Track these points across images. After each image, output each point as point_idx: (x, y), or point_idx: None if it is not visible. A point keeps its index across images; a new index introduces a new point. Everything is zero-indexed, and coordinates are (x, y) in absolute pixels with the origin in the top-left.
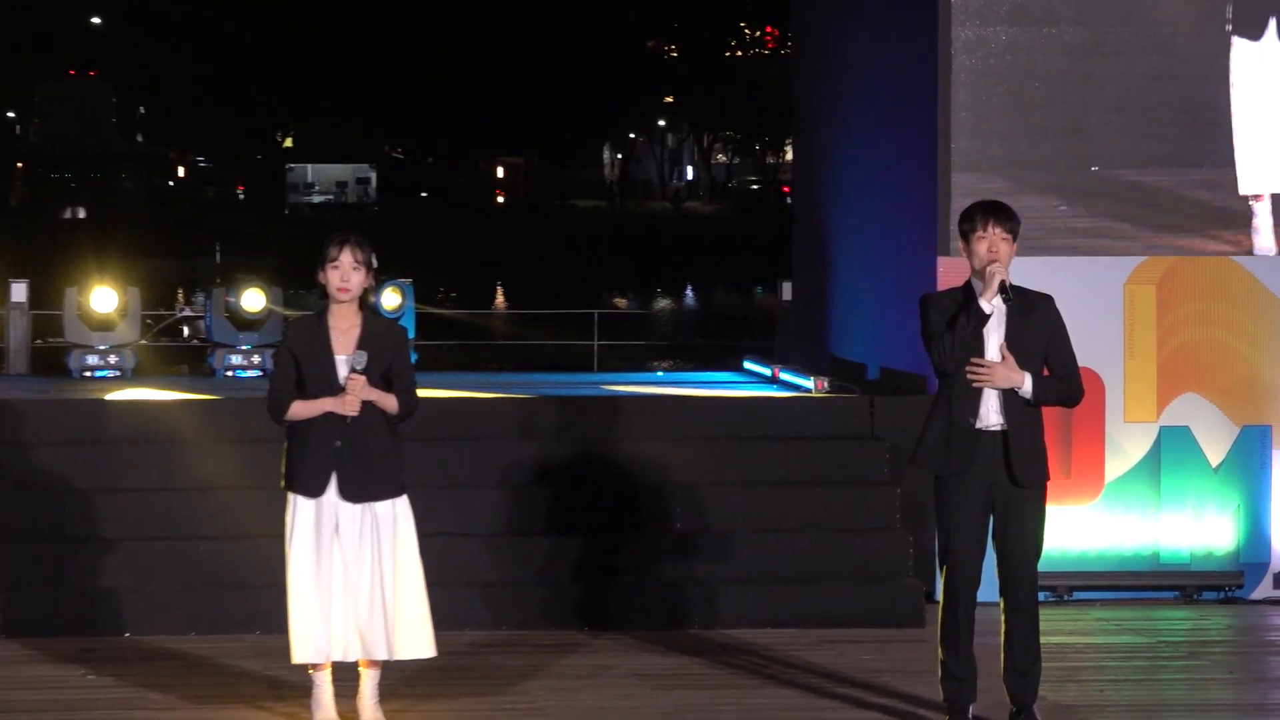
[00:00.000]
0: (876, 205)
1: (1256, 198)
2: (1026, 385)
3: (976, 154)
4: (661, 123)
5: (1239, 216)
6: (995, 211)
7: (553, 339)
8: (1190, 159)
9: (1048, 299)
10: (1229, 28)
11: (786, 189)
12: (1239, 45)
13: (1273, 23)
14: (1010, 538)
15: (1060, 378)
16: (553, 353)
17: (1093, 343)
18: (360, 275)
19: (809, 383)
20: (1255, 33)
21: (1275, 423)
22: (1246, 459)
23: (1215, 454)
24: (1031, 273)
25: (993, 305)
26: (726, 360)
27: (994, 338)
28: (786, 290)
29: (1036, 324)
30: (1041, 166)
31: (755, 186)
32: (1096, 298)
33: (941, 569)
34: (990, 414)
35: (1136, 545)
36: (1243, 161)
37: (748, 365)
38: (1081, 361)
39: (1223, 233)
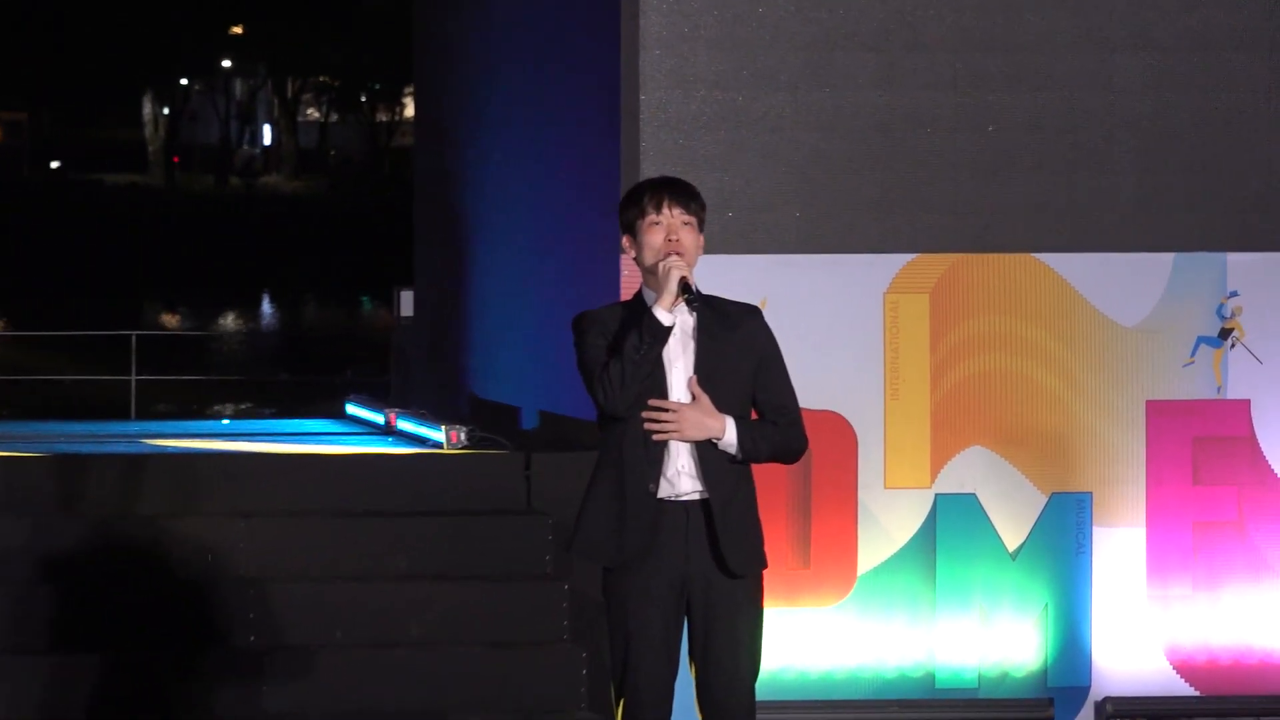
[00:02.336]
0: (537, 182)
1: None
2: (729, 434)
3: (676, 108)
4: (226, 64)
5: None
6: (671, 189)
7: (72, 372)
8: None
9: (753, 312)
10: None
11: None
12: None
13: None
14: (716, 652)
15: (774, 421)
16: (72, 391)
17: (839, 376)
18: None
19: (438, 434)
20: None
21: (1097, 489)
22: (1057, 540)
23: (1013, 533)
24: (740, 276)
25: (674, 316)
26: (321, 402)
27: (678, 368)
28: (406, 303)
29: (738, 347)
30: (768, 124)
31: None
32: (842, 312)
33: (617, 702)
34: (681, 478)
35: (903, 663)
36: None
37: (351, 410)
38: (823, 403)
39: None
